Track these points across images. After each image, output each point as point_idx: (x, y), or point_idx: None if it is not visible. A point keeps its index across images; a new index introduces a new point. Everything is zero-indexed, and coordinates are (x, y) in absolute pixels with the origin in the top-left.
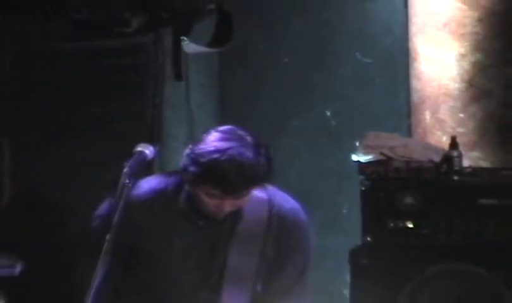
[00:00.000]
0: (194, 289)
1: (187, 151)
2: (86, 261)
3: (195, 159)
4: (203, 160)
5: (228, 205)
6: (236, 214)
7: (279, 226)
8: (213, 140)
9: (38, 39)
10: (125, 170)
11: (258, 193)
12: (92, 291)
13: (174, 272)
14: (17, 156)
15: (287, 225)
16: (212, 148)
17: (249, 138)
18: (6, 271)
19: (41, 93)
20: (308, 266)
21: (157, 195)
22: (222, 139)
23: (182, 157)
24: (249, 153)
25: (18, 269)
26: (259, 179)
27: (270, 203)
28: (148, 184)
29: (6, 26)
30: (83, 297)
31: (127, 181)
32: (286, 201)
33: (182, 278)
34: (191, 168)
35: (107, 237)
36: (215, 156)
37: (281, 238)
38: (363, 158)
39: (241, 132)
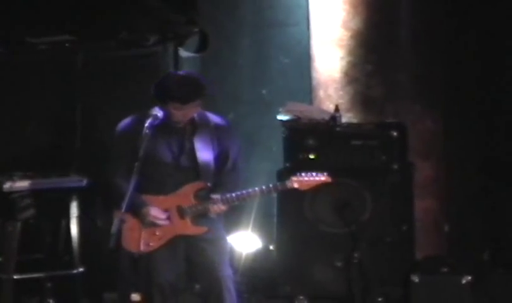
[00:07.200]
0: (173, 169)
1: None
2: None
3: (154, 85)
4: (158, 82)
5: (188, 112)
6: (193, 125)
7: (218, 131)
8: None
9: (98, 49)
10: (147, 122)
11: (206, 115)
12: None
13: (161, 159)
14: (88, 115)
15: (222, 129)
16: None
17: (192, 73)
18: (76, 183)
19: (100, 80)
20: (240, 155)
21: (152, 121)
22: (172, 73)
23: None
24: (186, 79)
25: (84, 182)
26: (194, 94)
27: (212, 119)
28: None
29: (78, 42)
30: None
31: (147, 131)
32: (220, 118)
33: (166, 162)
34: (153, 91)
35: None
36: (164, 79)
37: (221, 138)
38: (284, 117)
39: (187, 71)
